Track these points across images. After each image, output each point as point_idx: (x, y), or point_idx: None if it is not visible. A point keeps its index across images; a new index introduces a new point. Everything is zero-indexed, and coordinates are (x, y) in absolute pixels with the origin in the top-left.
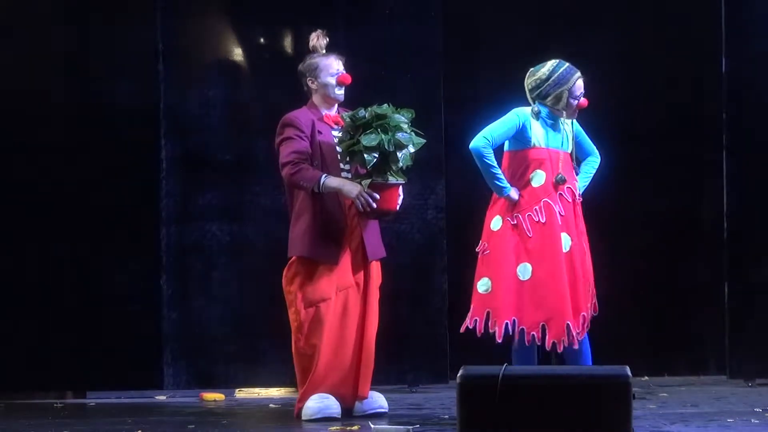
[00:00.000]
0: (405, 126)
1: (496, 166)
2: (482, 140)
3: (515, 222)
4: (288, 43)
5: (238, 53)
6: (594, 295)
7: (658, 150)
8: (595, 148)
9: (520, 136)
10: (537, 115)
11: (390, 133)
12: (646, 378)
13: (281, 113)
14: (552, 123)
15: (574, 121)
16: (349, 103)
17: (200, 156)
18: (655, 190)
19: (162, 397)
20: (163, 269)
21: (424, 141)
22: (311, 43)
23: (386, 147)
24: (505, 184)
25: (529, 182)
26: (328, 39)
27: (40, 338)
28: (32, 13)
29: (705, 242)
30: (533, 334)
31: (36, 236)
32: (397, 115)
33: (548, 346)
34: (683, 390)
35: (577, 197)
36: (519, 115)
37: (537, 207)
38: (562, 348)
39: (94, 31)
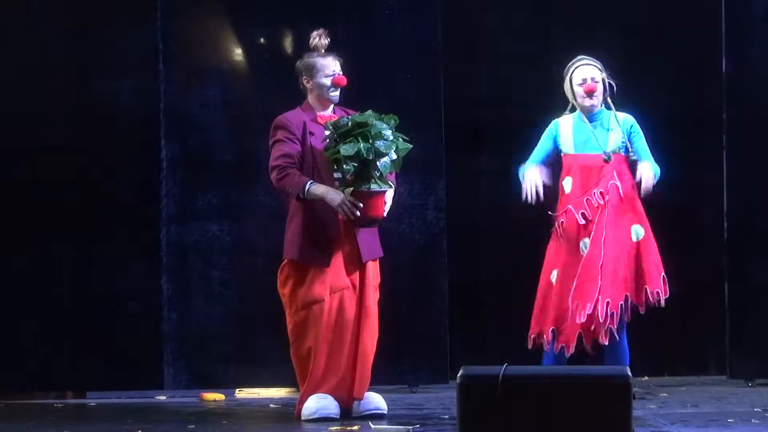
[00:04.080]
0: (387, 133)
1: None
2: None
3: (553, 229)
4: (288, 43)
5: (238, 53)
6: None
7: (658, 150)
8: (650, 157)
9: (556, 145)
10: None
11: (370, 141)
12: (646, 378)
13: (281, 113)
14: (593, 123)
15: (632, 123)
16: (349, 103)
17: (200, 156)
18: (655, 189)
19: (162, 397)
20: (163, 269)
21: (410, 147)
22: (312, 42)
23: (365, 155)
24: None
25: (562, 189)
26: (329, 39)
27: (40, 338)
28: (32, 13)
29: (705, 242)
30: (544, 337)
31: (36, 236)
32: (378, 123)
33: (556, 350)
34: (683, 390)
35: (606, 199)
36: (550, 127)
37: (564, 212)
38: (570, 353)
39: (94, 31)
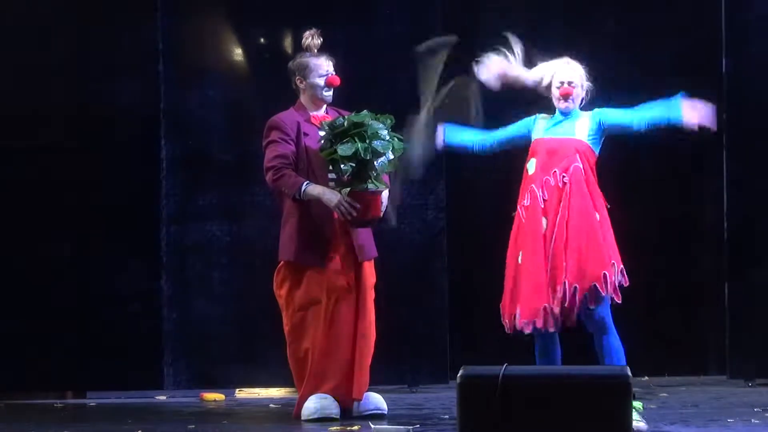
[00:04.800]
0: (383, 133)
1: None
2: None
3: (514, 213)
4: (288, 43)
5: (238, 53)
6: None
7: (658, 150)
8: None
9: (528, 133)
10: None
11: (367, 141)
12: (646, 378)
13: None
14: (563, 118)
15: (599, 110)
16: (349, 103)
17: (200, 156)
18: (655, 190)
19: (162, 397)
20: (163, 269)
21: (406, 147)
22: (304, 42)
23: (362, 155)
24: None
25: (526, 171)
26: (321, 39)
27: (40, 338)
28: (32, 13)
29: (705, 242)
30: (513, 315)
31: (36, 236)
32: (374, 123)
33: (519, 326)
34: (683, 390)
35: (565, 180)
36: (529, 120)
37: (527, 194)
38: (530, 329)
39: (94, 31)
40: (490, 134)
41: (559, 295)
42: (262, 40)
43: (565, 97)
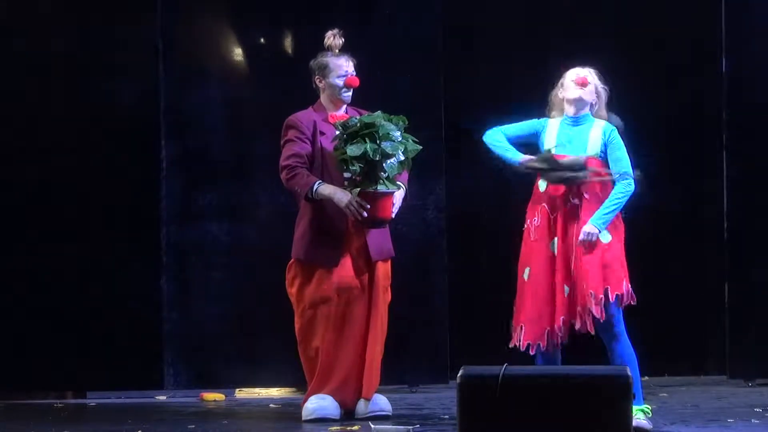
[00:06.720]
0: (395, 134)
1: (505, 144)
2: (493, 131)
3: (525, 227)
4: (288, 43)
5: (238, 53)
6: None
7: (658, 150)
8: (626, 171)
9: (538, 137)
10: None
11: (377, 143)
12: (646, 378)
13: (281, 113)
14: (576, 127)
15: (612, 130)
16: (352, 102)
17: (200, 156)
18: (655, 190)
19: (162, 397)
20: (163, 269)
21: (420, 148)
22: (326, 42)
23: (371, 156)
24: (513, 155)
25: (537, 188)
26: (343, 39)
27: (40, 338)
28: (32, 13)
29: (705, 242)
30: (518, 329)
31: (36, 236)
32: (387, 123)
33: (522, 347)
34: (683, 390)
35: (575, 202)
36: (540, 120)
37: (537, 213)
38: (534, 351)
39: (94, 31)
40: (502, 130)
41: (561, 308)
42: (262, 40)
43: (582, 84)
